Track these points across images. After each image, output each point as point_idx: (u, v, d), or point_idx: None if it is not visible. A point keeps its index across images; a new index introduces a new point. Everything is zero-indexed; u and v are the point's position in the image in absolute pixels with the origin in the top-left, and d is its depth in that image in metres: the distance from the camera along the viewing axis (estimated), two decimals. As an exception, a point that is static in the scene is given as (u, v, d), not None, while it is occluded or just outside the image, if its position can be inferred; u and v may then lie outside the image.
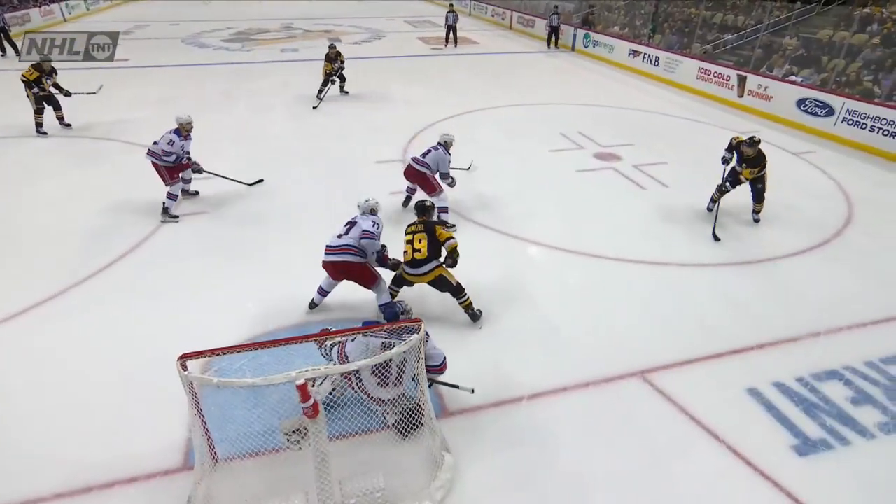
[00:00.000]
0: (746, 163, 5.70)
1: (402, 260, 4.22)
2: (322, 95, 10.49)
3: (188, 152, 5.95)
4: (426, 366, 3.08)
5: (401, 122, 9.27)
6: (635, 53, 13.88)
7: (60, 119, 8.59)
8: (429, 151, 5.76)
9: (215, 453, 3.00)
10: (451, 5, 18.32)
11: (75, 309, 4.43)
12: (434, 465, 3.00)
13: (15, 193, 6.47)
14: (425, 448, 3.09)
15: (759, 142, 5.61)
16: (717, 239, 5.60)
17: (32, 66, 8.12)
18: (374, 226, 4.11)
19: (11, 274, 4.88)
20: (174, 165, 5.76)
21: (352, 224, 4.16)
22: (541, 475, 3.05)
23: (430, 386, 3.33)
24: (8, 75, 11.66)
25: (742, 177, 5.80)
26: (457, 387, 3.44)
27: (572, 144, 8.45)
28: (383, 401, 3.14)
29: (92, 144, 8.18)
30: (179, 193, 5.93)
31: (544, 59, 15.65)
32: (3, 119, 8.92)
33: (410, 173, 5.77)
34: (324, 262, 4.15)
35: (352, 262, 4.08)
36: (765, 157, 5.70)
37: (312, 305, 4.39)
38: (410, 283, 4.28)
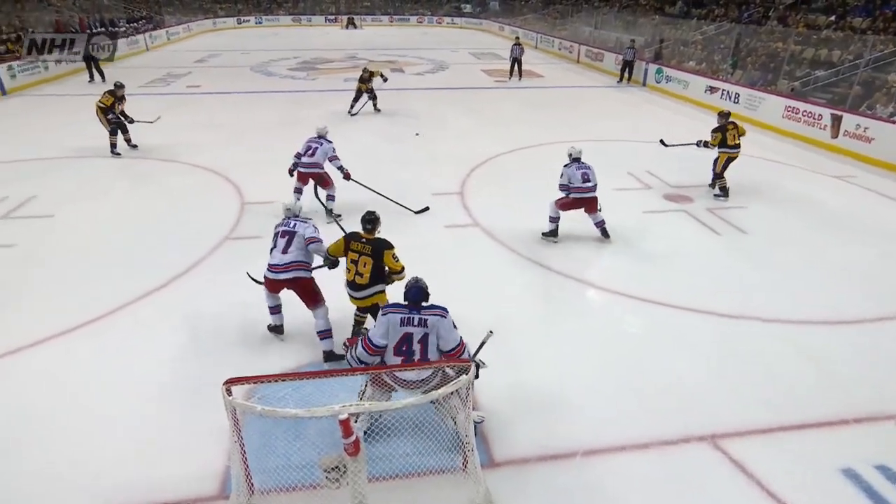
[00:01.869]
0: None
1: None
2: (355, 111, 12.09)
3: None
4: (443, 351, 3.18)
5: (459, 154, 9.50)
6: (713, 90, 13.66)
7: (128, 141, 9.55)
8: (315, 149, 6.62)
9: (252, 484, 3.07)
10: (517, 38, 18.85)
11: (124, 327, 4.73)
12: (476, 518, 2.94)
13: (83, 209, 7.09)
14: (468, 498, 3.03)
15: (724, 113, 7.80)
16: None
17: (108, 92, 9.10)
18: (314, 230, 4.22)
19: (69, 288, 5.30)
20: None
21: (289, 235, 4.17)
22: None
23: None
24: (92, 99, 12.93)
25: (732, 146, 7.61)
26: (482, 344, 3.41)
27: (639, 184, 8.34)
28: (411, 382, 3.16)
29: (159, 165, 8.88)
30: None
31: (613, 94, 15.69)
32: (80, 141, 9.88)
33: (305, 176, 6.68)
34: (272, 280, 4.17)
35: (303, 277, 4.17)
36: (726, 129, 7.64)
37: (278, 329, 4.50)
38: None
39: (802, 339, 4.66)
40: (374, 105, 12.36)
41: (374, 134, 10.91)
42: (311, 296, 4.24)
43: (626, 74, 16.88)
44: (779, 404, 3.90)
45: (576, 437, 3.58)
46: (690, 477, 3.32)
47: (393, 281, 4.10)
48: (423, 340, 3.16)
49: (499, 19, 34.48)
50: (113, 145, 9.25)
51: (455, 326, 3.26)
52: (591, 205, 6.13)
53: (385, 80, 12.51)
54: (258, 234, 6.39)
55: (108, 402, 3.88)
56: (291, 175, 6.89)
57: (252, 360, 4.24)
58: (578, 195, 6.02)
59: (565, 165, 6.10)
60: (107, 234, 6.40)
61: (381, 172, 8.53)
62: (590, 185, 6.01)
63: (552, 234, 6.31)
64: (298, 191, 6.89)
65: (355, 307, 4.32)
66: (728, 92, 13.13)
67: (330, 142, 6.80)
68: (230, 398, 2.71)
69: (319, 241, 4.20)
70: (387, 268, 4.04)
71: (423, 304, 3.25)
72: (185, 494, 3.16)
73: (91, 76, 15.87)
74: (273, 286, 4.25)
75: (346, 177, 6.82)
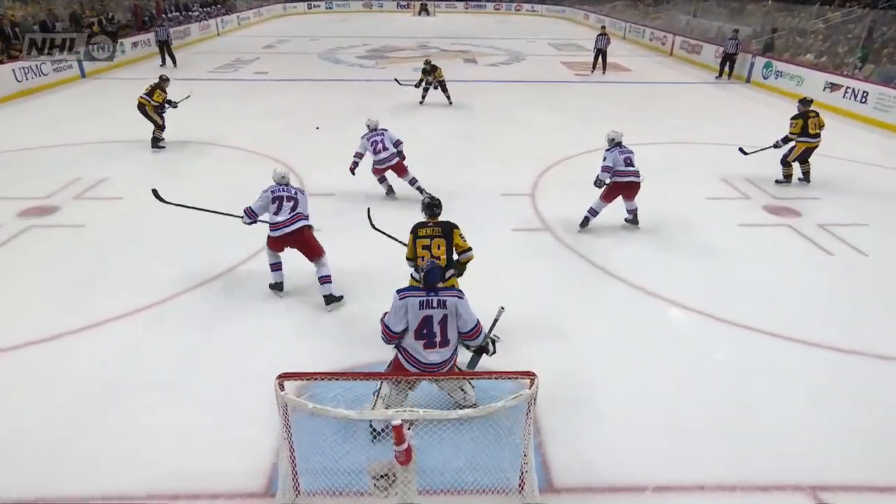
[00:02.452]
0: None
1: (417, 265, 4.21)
2: (421, 100, 12.53)
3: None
4: (460, 332, 3.39)
5: (533, 153, 9.46)
6: (834, 87, 12.82)
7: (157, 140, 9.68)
8: (382, 141, 7.09)
9: (298, 484, 3.20)
10: (603, 27, 18.50)
11: (183, 315, 5.04)
12: (531, 546, 2.92)
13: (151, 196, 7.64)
14: (523, 525, 3.02)
15: (807, 101, 8.11)
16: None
17: (156, 87, 9.38)
18: (301, 193, 5.08)
19: (138, 269, 5.74)
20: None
21: (293, 199, 4.99)
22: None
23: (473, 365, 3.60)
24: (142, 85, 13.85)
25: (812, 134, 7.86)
26: (497, 319, 3.78)
27: (736, 193, 7.96)
28: (435, 364, 3.34)
29: (225, 153, 9.45)
30: None
31: (710, 91, 15.08)
32: (150, 126, 10.63)
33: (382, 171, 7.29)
34: (277, 238, 4.94)
35: (306, 225, 5.01)
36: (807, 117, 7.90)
37: (278, 286, 5.25)
38: None
39: (929, 383, 4.29)
40: (447, 97, 12.57)
41: (441, 128, 11.06)
42: (313, 247, 5.05)
43: (726, 69, 16.16)
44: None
45: (648, 470, 3.47)
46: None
47: (463, 264, 4.28)
48: (443, 322, 3.31)
49: (583, 7, 33.94)
50: (157, 140, 9.60)
51: (469, 310, 3.42)
52: (632, 191, 6.36)
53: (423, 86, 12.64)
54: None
55: (164, 385, 4.17)
56: (353, 174, 7.15)
57: (307, 355, 4.41)
58: (621, 179, 6.22)
59: (607, 150, 6.33)
60: (172, 219, 6.85)
61: (445, 170, 8.65)
62: (633, 168, 6.22)
63: (583, 224, 6.60)
64: (382, 180, 7.54)
65: None
66: (853, 90, 12.26)
67: (385, 129, 7.30)
68: (282, 393, 2.84)
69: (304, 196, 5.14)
70: (459, 250, 4.26)
71: (439, 286, 3.38)
72: (233, 489, 3.33)
73: (163, 60, 16.98)
74: (277, 244, 5.03)
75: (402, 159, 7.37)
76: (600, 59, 16.97)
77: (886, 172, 8.86)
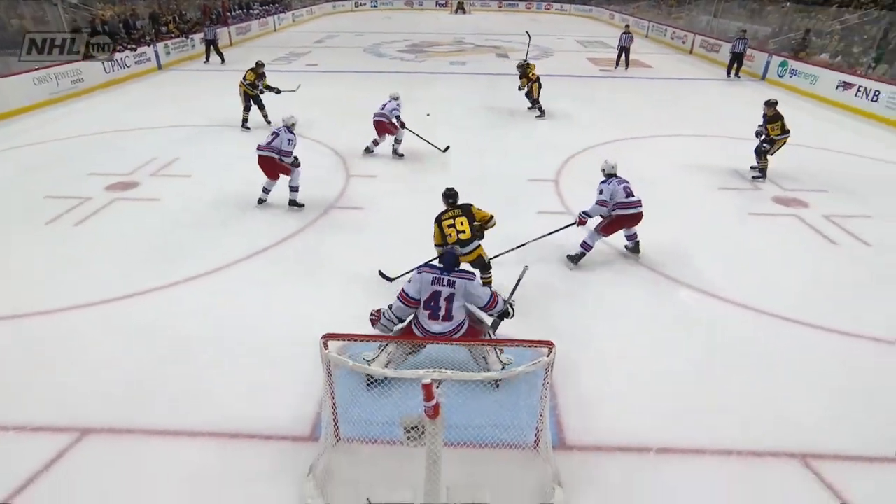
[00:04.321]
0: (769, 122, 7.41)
1: (448, 243, 4.49)
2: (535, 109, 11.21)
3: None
4: (480, 307, 3.55)
5: (559, 142, 9.27)
6: (846, 86, 12.14)
7: (265, 117, 10.12)
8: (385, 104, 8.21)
9: (338, 432, 3.29)
10: (627, 26, 17.85)
11: (245, 280, 5.19)
12: (544, 495, 2.94)
13: (216, 172, 7.80)
14: (537, 475, 3.04)
15: (775, 102, 7.52)
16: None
17: (250, 70, 9.65)
18: (289, 143, 6.26)
19: (201, 241, 5.89)
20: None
21: (275, 135, 6.28)
22: (659, 541, 2.81)
23: (494, 329, 3.70)
24: (230, 76, 14.01)
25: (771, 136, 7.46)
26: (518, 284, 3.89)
27: (747, 184, 7.67)
28: (438, 334, 3.47)
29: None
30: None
31: (726, 88, 14.45)
32: (220, 112, 10.81)
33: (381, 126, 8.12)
34: (259, 156, 6.27)
35: (273, 157, 6.25)
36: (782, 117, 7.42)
37: (260, 201, 6.55)
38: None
39: (925, 367, 4.11)
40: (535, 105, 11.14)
41: (473, 117, 10.91)
42: (284, 170, 6.42)
43: (734, 67, 15.34)
44: (889, 432, 3.49)
45: (656, 433, 3.44)
46: (773, 492, 3.09)
47: (484, 230, 4.59)
48: (449, 299, 3.47)
49: (610, 7, 32.71)
50: (245, 120, 9.86)
51: (479, 286, 3.56)
52: (636, 221, 5.29)
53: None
54: (360, 206, 6.71)
55: (238, 336, 4.33)
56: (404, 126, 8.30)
57: (351, 317, 4.48)
58: (624, 211, 5.19)
59: (603, 182, 5.25)
60: (233, 195, 6.99)
61: (477, 156, 8.57)
62: (635, 198, 5.19)
63: (576, 260, 5.43)
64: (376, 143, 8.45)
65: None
66: (866, 89, 11.59)
67: (396, 99, 8.22)
68: (326, 352, 2.90)
69: (289, 154, 6.31)
70: (481, 219, 4.59)
71: (455, 269, 3.54)
72: (283, 432, 3.44)
73: (207, 58, 16.45)
74: (259, 161, 6.39)
75: (402, 125, 8.18)
76: (623, 56, 16.40)
77: (892, 168, 8.40)
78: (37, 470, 3.15)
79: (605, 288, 5.10)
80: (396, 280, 4.94)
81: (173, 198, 6.93)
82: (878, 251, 5.82)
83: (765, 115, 7.52)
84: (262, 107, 10.02)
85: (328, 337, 2.93)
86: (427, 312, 3.50)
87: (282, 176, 6.50)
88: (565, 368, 3.82)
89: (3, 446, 3.33)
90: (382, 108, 8.15)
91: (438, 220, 4.55)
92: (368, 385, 3.57)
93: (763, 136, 7.60)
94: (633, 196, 5.22)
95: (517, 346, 3.10)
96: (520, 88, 10.95)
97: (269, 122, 10.07)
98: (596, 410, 3.62)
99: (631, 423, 3.54)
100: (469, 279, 3.50)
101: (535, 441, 3.12)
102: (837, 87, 12.34)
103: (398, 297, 3.56)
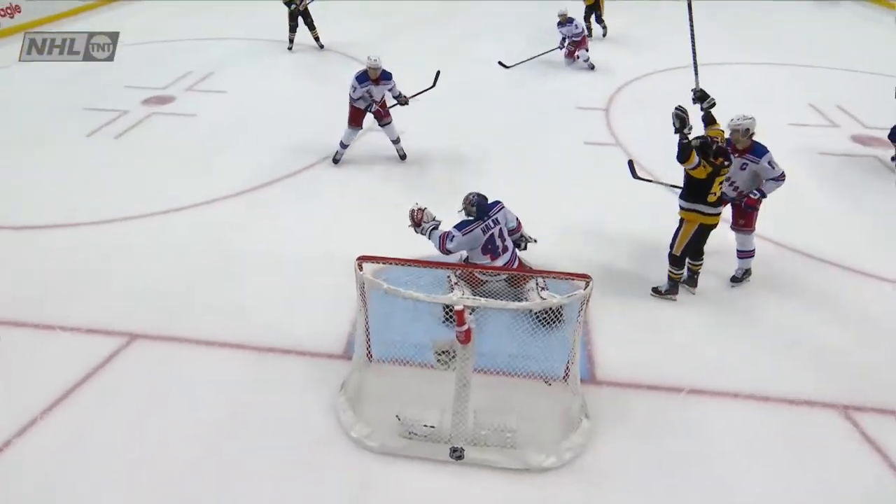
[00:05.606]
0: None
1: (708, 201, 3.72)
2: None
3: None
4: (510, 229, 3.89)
5: (612, 66, 8.79)
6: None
7: (317, 39, 9.35)
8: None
9: (370, 352, 3.46)
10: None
11: (282, 197, 5.36)
12: (570, 425, 3.07)
13: (253, 90, 7.81)
14: (564, 406, 3.16)
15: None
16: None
17: None
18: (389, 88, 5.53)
19: (237, 158, 6.02)
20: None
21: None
22: (682, 476, 2.92)
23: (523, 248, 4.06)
24: None
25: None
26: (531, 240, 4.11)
27: (824, 120, 7.15)
28: (500, 267, 3.73)
29: (328, 57, 9.32)
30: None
31: (810, 8, 13.11)
32: (260, 28, 10.62)
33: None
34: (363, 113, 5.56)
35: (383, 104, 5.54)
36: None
37: (336, 160, 5.80)
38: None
39: None
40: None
41: (520, 38, 10.38)
42: (386, 115, 5.70)
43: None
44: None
45: (688, 374, 3.48)
46: (809, 440, 3.12)
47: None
48: (501, 233, 3.80)
49: None
50: (290, 41, 9.29)
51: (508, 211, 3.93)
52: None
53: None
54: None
55: (274, 252, 4.56)
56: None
57: (388, 243, 4.58)
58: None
59: (764, 151, 3.97)
60: (269, 113, 7.03)
61: (526, 82, 8.22)
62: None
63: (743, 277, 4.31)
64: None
65: None
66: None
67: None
68: (360, 273, 3.00)
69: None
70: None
71: (487, 207, 3.79)
72: (317, 349, 3.66)
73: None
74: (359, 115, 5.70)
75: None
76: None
77: None
78: (89, 370, 3.48)
79: (647, 226, 4.97)
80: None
81: (209, 113, 7.05)
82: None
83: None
84: (311, 26, 9.15)
85: (363, 259, 3.03)
86: (488, 255, 3.76)
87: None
88: (603, 303, 3.85)
89: (59, 346, 3.68)
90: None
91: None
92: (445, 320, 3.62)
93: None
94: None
95: (554, 278, 3.12)
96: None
97: (321, 47, 9.38)
98: (629, 348, 3.67)
99: (663, 362, 3.58)
100: (502, 206, 3.88)
101: (565, 374, 3.22)
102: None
103: (439, 247, 3.79)
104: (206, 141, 6.40)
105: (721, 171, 3.66)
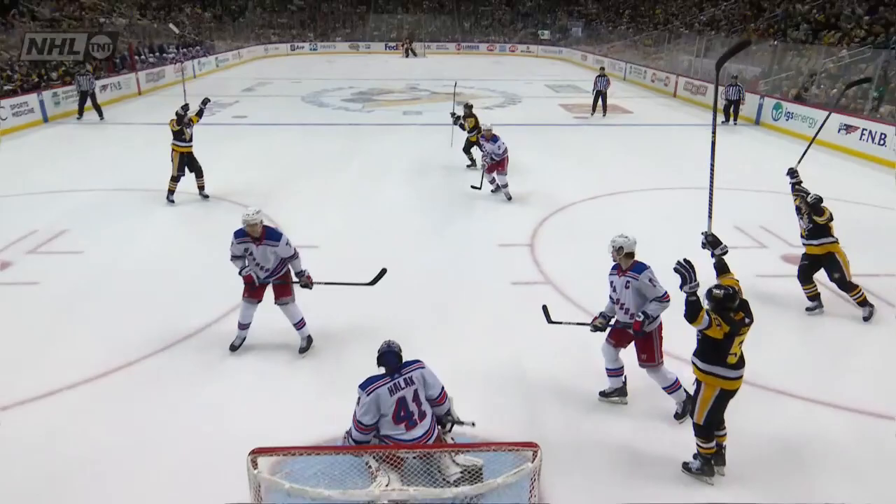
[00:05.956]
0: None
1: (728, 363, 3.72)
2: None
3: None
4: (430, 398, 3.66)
5: (530, 200, 9.65)
6: (849, 128, 13.20)
7: (201, 188, 9.43)
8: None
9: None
10: (602, 69, 19.13)
11: (144, 382, 5.00)
12: None
13: (115, 248, 7.64)
14: None
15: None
16: None
17: (172, 120, 9.02)
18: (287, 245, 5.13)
19: (90, 335, 5.67)
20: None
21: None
22: None
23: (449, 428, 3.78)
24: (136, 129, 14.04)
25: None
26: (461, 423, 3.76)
27: (751, 242, 8.06)
28: (414, 440, 3.52)
29: (202, 205, 9.45)
30: None
31: (718, 134, 15.40)
32: (119, 175, 10.74)
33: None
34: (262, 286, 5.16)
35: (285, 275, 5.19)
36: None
37: (234, 347, 5.29)
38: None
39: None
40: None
41: (433, 174, 11.23)
42: (288, 292, 5.30)
43: (731, 112, 16.38)
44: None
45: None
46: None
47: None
48: (416, 397, 3.60)
49: (581, 47, 35.19)
50: (171, 192, 9.21)
51: (433, 375, 3.71)
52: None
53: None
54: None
55: (132, 457, 4.09)
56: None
57: (283, 427, 4.31)
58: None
59: (644, 268, 4.50)
60: (133, 276, 6.82)
61: (439, 219, 8.74)
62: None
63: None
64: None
65: None
66: (871, 132, 12.65)
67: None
68: (255, 472, 2.76)
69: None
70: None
71: (400, 365, 3.63)
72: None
73: (80, 114, 15.70)
74: (260, 293, 5.29)
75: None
76: (600, 101, 17.43)
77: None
78: None
79: (594, 373, 5.11)
80: (557, 324, 4.76)
81: (57, 281, 6.73)
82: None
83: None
84: (199, 174, 9.35)
85: (258, 452, 2.80)
86: (402, 424, 3.56)
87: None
88: (556, 471, 3.77)
89: None
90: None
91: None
92: None
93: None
94: None
95: (494, 450, 3.04)
96: (466, 129, 11.01)
97: (205, 197, 9.44)
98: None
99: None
100: (421, 366, 3.68)
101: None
102: (839, 130, 13.37)
103: (354, 428, 3.58)
104: (50, 315, 6.00)
105: (741, 331, 3.62)
